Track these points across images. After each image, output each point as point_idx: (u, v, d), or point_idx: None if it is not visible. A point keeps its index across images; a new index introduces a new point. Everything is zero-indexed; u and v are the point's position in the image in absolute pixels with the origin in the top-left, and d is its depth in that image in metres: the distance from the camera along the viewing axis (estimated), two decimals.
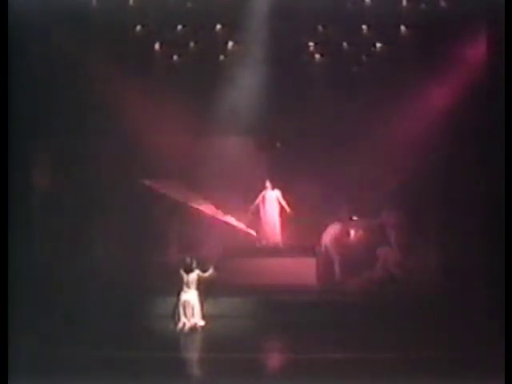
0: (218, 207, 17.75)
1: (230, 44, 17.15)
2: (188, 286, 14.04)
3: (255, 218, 17.88)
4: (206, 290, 14.18)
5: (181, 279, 14.06)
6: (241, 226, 17.82)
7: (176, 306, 14.10)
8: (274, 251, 17.42)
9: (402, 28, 16.40)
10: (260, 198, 17.78)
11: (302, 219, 17.72)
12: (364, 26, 16.50)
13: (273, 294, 15.67)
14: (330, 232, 17.73)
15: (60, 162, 15.71)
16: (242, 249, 17.32)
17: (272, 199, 17.77)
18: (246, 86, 16.96)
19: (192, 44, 17.16)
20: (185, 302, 14.03)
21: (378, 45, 16.98)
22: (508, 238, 11.37)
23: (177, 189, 17.54)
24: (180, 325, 14.00)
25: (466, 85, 15.64)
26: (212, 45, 17.10)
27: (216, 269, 14.22)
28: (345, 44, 17.08)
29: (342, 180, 17.31)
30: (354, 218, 17.95)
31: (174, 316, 14.09)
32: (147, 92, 16.83)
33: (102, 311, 14.54)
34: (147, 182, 17.35)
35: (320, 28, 16.74)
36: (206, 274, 14.12)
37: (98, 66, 16.14)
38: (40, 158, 14.96)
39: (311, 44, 17.29)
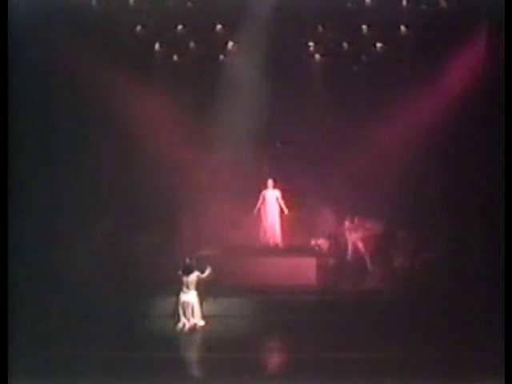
0: (218, 207, 17.75)
1: (230, 44, 17.17)
2: (187, 287, 14.03)
3: (255, 218, 17.87)
4: (205, 290, 14.19)
5: (180, 280, 14.07)
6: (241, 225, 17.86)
7: (176, 306, 14.11)
8: (273, 251, 17.43)
9: (402, 28, 16.41)
10: (261, 198, 17.78)
11: (302, 219, 17.79)
12: (364, 26, 16.50)
13: (273, 293, 15.66)
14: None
15: (60, 161, 15.69)
16: (242, 249, 17.32)
17: (272, 199, 17.77)
18: (245, 85, 16.95)
19: (192, 44, 17.18)
20: (184, 302, 14.04)
21: (378, 45, 17.00)
22: (508, 238, 11.38)
23: (177, 189, 17.52)
24: (180, 325, 14.01)
25: (466, 85, 15.63)
26: (212, 45, 17.11)
27: (214, 269, 14.21)
28: (345, 44, 17.09)
29: (341, 180, 17.32)
30: (355, 218, 17.97)
31: (174, 316, 14.10)
32: (147, 92, 16.83)
33: (102, 311, 14.54)
34: (148, 182, 17.34)
35: (320, 28, 16.75)
36: (204, 275, 14.11)
37: (98, 65, 16.13)
38: (40, 157, 14.94)
39: (311, 44, 17.31)
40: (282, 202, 17.68)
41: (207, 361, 12.53)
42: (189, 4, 15.92)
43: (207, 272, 14.13)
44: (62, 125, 15.65)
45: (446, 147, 16.38)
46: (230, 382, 10.76)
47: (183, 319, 14.01)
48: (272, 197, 17.78)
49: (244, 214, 17.85)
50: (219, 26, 16.66)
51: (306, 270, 16.69)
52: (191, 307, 14.03)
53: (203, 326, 14.06)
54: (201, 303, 14.17)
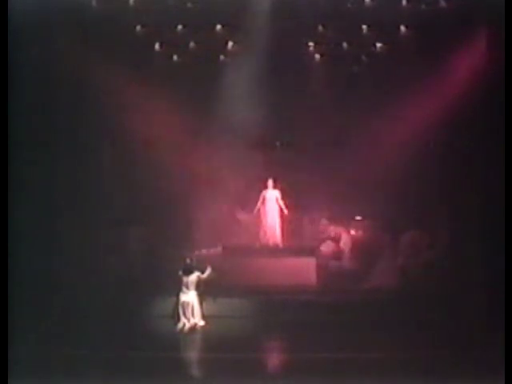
0: (218, 207, 17.75)
1: (230, 44, 17.18)
2: (187, 287, 14.03)
3: (255, 218, 17.86)
4: (205, 290, 14.19)
5: (180, 280, 14.07)
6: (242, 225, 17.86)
7: (176, 306, 14.11)
8: (273, 251, 17.42)
9: (402, 28, 16.43)
10: (261, 198, 17.77)
11: (302, 219, 17.81)
12: (364, 26, 16.52)
13: (273, 294, 15.67)
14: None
15: (60, 161, 15.69)
16: (242, 249, 17.31)
17: (272, 199, 17.77)
18: (246, 85, 16.96)
19: (192, 44, 17.19)
20: (183, 302, 14.04)
21: (378, 45, 17.02)
22: (508, 238, 11.36)
23: (177, 189, 17.50)
24: (180, 325, 14.01)
25: (465, 84, 15.63)
26: (212, 45, 17.12)
27: (213, 269, 14.21)
28: (345, 44, 17.10)
29: (341, 180, 17.31)
30: (357, 218, 18.00)
31: (174, 316, 14.10)
32: (147, 92, 16.83)
33: (102, 311, 14.53)
34: (147, 182, 17.34)
35: (320, 28, 16.77)
36: (204, 275, 14.12)
37: (98, 65, 16.13)
38: (40, 157, 14.94)
39: (311, 44, 17.32)
40: (281, 202, 17.68)
41: (207, 361, 12.52)
42: (189, 4, 15.94)
43: (207, 272, 14.13)
44: (61, 125, 15.64)
45: (446, 147, 16.38)
46: (230, 382, 10.74)
47: (183, 319, 14.01)
48: (272, 197, 17.77)
49: (244, 214, 17.86)
50: (219, 26, 16.68)
51: (306, 270, 16.69)
52: (191, 307, 14.03)
53: (203, 326, 14.06)
54: (201, 303, 14.18)
